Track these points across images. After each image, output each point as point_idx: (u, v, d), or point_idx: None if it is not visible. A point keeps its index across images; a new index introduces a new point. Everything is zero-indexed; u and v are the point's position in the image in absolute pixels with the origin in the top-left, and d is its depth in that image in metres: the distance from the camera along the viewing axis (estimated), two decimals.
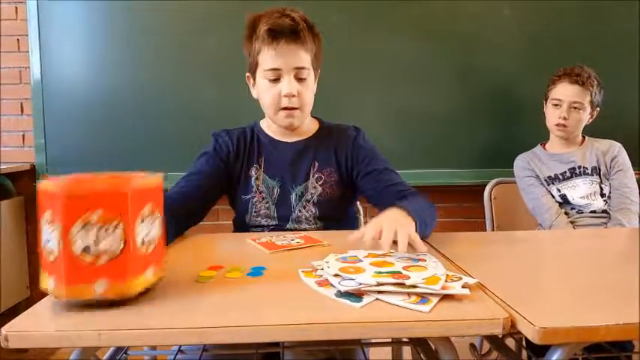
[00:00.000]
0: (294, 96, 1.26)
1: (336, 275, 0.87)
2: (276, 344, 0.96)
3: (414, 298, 0.79)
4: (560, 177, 1.89)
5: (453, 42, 2.29)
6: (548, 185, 1.91)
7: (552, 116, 1.90)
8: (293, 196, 1.35)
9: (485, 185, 2.09)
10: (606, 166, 1.87)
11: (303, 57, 1.26)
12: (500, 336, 0.91)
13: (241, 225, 1.38)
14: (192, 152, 2.18)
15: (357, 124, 1.46)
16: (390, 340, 1.23)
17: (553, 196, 1.89)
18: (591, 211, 1.84)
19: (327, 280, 0.87)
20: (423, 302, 0.77)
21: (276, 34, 1.22)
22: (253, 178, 1.34)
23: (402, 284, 0.82)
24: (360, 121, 1.55)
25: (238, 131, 1.39)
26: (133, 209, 0.74)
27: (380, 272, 0.87)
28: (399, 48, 2.26)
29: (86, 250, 0.71)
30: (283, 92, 1.25)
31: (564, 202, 1.87)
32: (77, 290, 0.72)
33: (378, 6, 2.23)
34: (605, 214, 1.83)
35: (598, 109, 1.91)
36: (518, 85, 2.32)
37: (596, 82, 1.86)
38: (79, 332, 0.68)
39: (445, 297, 0.80)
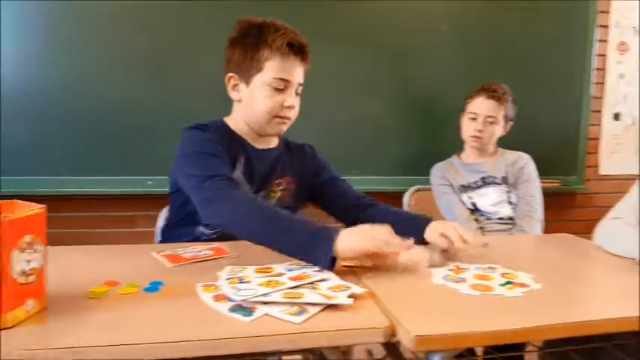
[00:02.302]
0: (293, 108, 1.34)
1: (233, 286, 0.89)
2: None
3: (294, 308, 0.82)
4: (473, 185, 1.99)
5: (382, 54, 2.34)
6: (461, 193, 2.00)
7: (468, 128, 2.00)
8: (258, 199, 1.37)
9: (406, 192, 2.18)
10: (514, 176, 1.98)
11: (303, 75, 1.36)
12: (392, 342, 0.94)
13: (192, 216, 1.31)
14: (134, 152, 2.12)
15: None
16: (281, 351, 1.23)
17: (464, 204, 1.98)
18: (499, 218, 1.95)
19: (223, 294, 0.88)
20: (300, 313, 0.80)
21: (295, 50, 1.30)
22: (234, 175, 1.33)
23: (291, 294, 0.86)
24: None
25: (213, 126, 1.37)
26: (8, 239, 0.72)
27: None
28: (329, 59, 2.29)
29: None
30: (287, 103, 1.32)
31: (475, 209, 1.97)
32: None
33: (318, 17, 2.25)
34: (511, 221, 1.94)
35: (511, 122, 2.03)
36: (440, 98, 2.40)
37: (510, 98, 1.98)
38: None
39: (333, 307, 0.83)
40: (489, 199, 1.96)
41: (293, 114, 1.36)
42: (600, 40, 2.57)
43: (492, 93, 1.95)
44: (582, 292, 1.04)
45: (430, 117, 2.42)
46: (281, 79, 1.30)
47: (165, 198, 1.52)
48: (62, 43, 2.09)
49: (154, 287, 0.92)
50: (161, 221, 1.60)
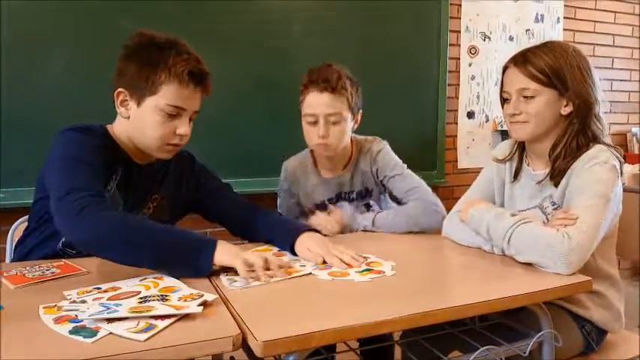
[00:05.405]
0: (186, 135, 1.28)
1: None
2: None
3: (142, 324, 0.80)
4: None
5: (243, 52, 2.34)
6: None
7: (311, 135, 1.53)
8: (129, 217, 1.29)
9: None
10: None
11: (200, 102, 1.30)
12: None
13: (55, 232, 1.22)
14: None
15: None
16: None
17: None
18: None
19: (65, 316, 0.84)
20: (147, 330, 0.78)
21: (195, 79, 1.23)
22: (108, 187, 1.25)
23: (140, 307, 0.84)
24: None
25: (95, 131, 1.27)
26: None
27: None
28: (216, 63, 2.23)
29: None
30: (179, 131, 1.25)
31: None
32: None
33: (179, 16, 2.18)
34: None
35: (360, 111, 1.60)
36: None
37: (348, 82, 1.50)
38: None
39: (183, 318, 0.83)
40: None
41: (185, 141, 1.30)
42: (453, 45, 2.80)
43: (324, 84, 1.47)
44: (430, 282, 1.13)
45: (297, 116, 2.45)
46: (176, 107, 1.22)
47: (17, 212, 1.41)
48: None
49: None
50: (13, 237, 1.47)
